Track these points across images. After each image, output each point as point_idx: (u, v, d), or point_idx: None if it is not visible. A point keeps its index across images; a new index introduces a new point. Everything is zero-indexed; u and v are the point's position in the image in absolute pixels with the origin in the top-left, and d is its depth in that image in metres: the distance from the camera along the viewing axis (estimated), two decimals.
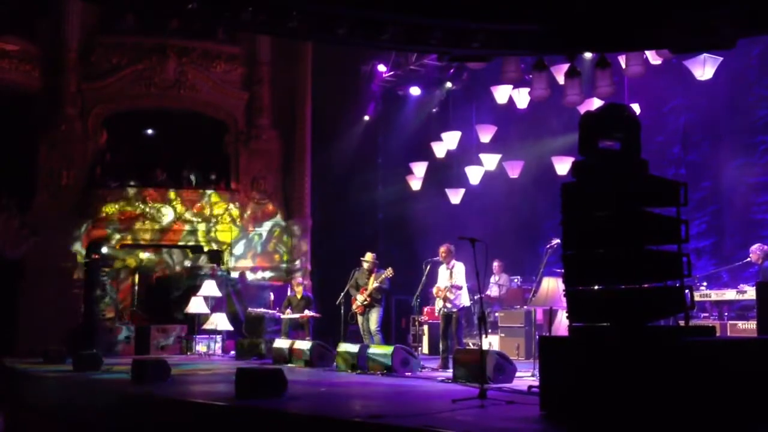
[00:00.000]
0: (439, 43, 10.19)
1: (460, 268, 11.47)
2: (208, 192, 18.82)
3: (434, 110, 18.43)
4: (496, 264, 15.17)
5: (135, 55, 18.61)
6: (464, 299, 11.59)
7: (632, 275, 6.19)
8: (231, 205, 18.97)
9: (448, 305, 11.48)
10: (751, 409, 5.59)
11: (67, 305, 16.68)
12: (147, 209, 18.33)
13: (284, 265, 19.12)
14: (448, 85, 17.52)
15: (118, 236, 18.27)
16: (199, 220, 18.68)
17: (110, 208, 18.14)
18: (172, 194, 18.55)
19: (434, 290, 11.85)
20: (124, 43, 18.64)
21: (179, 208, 18.51)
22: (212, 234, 18.88)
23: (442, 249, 11.67)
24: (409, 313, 15.74)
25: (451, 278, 11.46)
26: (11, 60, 17.84)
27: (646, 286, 6.30)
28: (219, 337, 15.99)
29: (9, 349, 15.09)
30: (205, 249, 18.86)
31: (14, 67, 17.91)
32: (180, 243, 18.60)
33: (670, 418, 5.41)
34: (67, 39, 18.21)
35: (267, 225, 19.23)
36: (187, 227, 18.56)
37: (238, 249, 18.93)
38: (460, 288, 11.45)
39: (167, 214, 18.44)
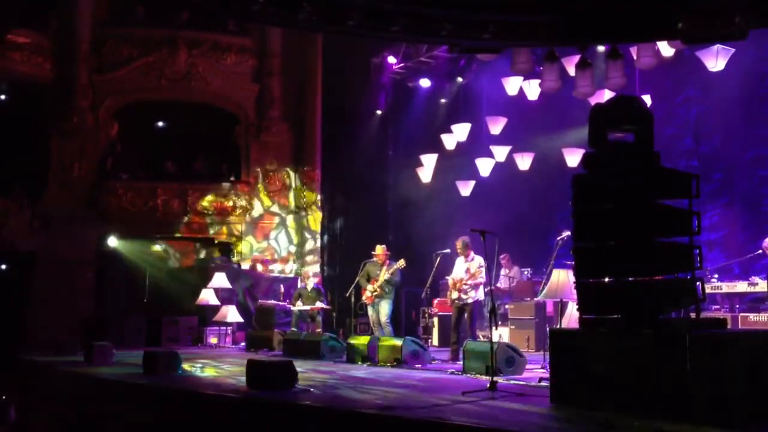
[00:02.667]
0: (449, 34, 10.15)
1: (480, 262, 11.42)
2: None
3: (444, 102, 18.38)
4: (503, 259, 15.14)
5: (146, 47, 18.64)
6: (480, 292, 11.60)
7: (643, 267, 6.18)
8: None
9: (464, 296, 11.48)
10: (762, 400, 5.57)
11: (78, 296, 16.76)
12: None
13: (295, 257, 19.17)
14: (459, 80, 17.49)
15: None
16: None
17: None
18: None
19: (449, 281, 11.82)
20: (134, 35, 18.67)
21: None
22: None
23: (459, 242, 11.67)
24: (419, 305, 15.75)
25: (470, 271, 11.44)
26: (23, 52, 17.90)
27: (657, 278, 6.29)
28: (229, 329, 16.03)
29: (21, 340, 15.18)
30: (216, 242, 18.93)
31: (26, 59, 17.99)
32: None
33: (681, 410, 5.41)
34: (78, 31, 18.25)
35: None
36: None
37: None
38: (481, 283, 11.44)
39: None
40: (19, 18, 17.53)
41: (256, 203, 18.98)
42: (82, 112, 18.21)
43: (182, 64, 18.58)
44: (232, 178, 19.05)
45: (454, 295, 11.61)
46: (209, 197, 18.63)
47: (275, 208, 19.07)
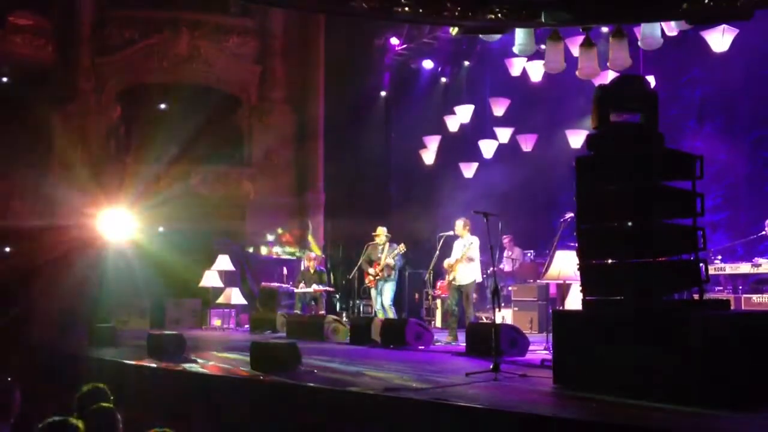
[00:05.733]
0: (453, 14, 10.08)
1: (475, 242, 11.45)
2: None
3: (447, 83, 18.32)
4: (505, 240, 15.14)
5: (148, 29, 18.60)
6: (476, 273, 11.59)
7: (647, 249, 6.17)
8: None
9: (459, 277, 11.49)
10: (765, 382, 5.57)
11: (82, 279, 16.77)
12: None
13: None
14: (466, 63, 17.46)
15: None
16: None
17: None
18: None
19: (445, 263, 11.83)
20: (136, 17, 18.63)
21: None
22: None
23: (459, 222, 11.66)
24: (423, 287, 15.76)
25: (465, 251, 11.44)
26: (24, 35, 17.85)
27: (660, 259, 6.29)
28: (233, 311, 16.06)
29: (25, 323, 15.20)
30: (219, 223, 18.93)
31: (27, 41, 17.94)
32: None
33: (684, 391, 5.41)
34: (81, 13, 18.20)
35: None
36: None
37: None
38: (472, 261, 11.45)
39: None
40: (20, 0, 17.50)
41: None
42: (85, 94, 18.20)
43: (184, 46, 18.52)
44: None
45: (450, 276, 11.63)
46: (212, 179, 18.63)
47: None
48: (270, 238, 18.54)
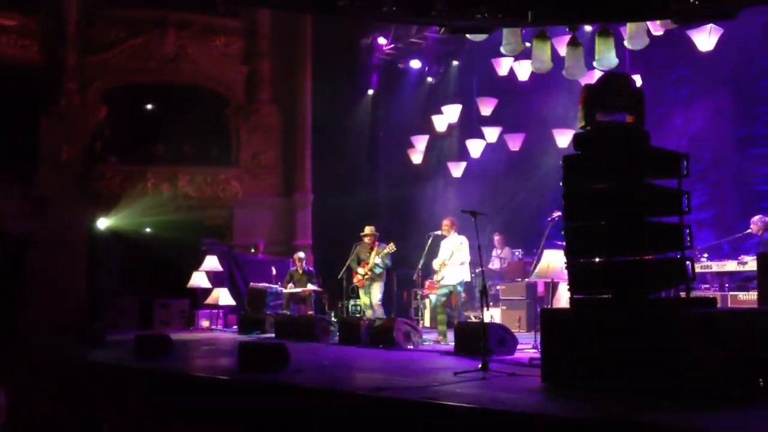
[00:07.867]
0: (440, 14, 10.09)
1: (464, 242, 11.43)
2: None
3: (435, 83, 18.34)
4: (497, 237, 15.17)
5: (134, 28, 18.55)
6: (465, 273, 11.59)
7: (633, 247, 6.21)
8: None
9: (447, 277, 11.48)
10: (752, 378, 5.60)
11: (70, 279, 16.71)
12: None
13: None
14: (455, 63, 17.49)
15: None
16: None
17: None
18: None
19: (434, 263, 11.81)
20: (123, 17, 18.57)
21: None
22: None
23: (445, 222, 11.65)
24: (411, 287, 15.75)
25: (454, 252, 11.43)
26: (10, 35, 17.78)
27: (647, 257, 6.32)
28: (221, 312, 16.02)
29: (13, 324, 15.14)
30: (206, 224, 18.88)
31: (13, 42, 17.87)
32: None
33: (671, 388, 5.44)
34: (66, 13, 18.13)
35: None
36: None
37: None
38: (462, 263, 11.43)
39: None
40: (6, 0, 17.42)
41: None
42: (71, 94, 18.13)
43: (171, 46, 18.48)
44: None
45: (439, 276, 11.62)
46: (199, 180, 18.59)
47: None
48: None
